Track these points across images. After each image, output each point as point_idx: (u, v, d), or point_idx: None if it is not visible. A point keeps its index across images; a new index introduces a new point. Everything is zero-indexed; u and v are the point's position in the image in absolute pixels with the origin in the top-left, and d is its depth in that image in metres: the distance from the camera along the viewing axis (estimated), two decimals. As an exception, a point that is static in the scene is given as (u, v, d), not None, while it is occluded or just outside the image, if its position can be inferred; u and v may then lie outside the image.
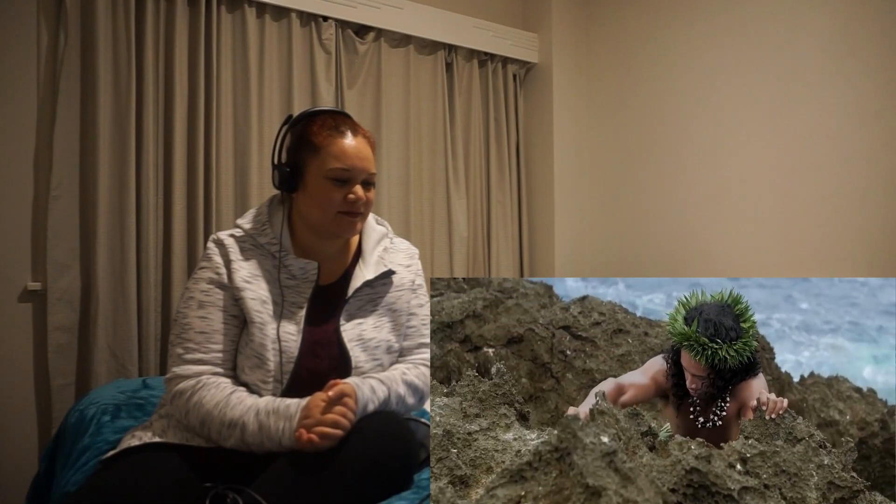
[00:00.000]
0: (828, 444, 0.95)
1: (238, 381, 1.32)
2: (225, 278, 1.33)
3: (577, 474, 0.73)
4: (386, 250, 1.48)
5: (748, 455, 0.91)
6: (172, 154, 2.27)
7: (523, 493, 0.76)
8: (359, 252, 1.47)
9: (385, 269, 1.44)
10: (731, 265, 2.73)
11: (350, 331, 1.37)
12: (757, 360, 1.10)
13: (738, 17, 2.71)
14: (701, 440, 0.92)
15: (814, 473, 0.90)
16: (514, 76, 3.25)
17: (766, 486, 0.87)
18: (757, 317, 1.10)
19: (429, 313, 1.51)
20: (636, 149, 3.11)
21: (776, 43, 2.59)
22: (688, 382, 1.10)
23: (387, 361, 1.42)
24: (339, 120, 1.38)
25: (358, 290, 1.40)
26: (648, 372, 1.16)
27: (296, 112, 1.53)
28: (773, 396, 1.01)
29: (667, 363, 1.15)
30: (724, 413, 1.10)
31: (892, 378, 2.10)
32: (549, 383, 1.32)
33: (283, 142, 1.40)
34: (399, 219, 2.83)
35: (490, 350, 1.34)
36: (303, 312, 1.36)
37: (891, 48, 2.28)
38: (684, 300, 1.11)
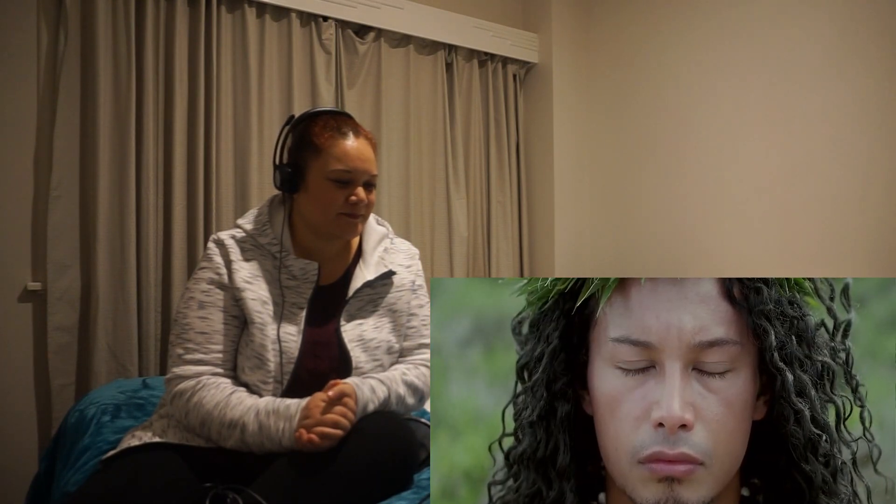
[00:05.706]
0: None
1: (238, 382, 1.32)
2: (225, 279, 1.33)
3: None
4: (386, 251, 1.48)
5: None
6: (172, 154, 2.26)
7: None
8: (359, 252, 1.46)
9: (385, 270, 1.43)
10: (732, 265, 2.73)
11: (350, 331, 1.37)
12: None
13: (737, 17, 2.71)
14: None
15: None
16: (514, 76, 3.25)
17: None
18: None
19: (429, 314, 1.51)
20: (636, 148, 3.11)
21: (776, 43, 2.58)
22: None
23: (387, 362, 1.42)
24: (340, 121, 1.38)
25: (358, 290, 1.40)
26: None
27: (296, 112, 1.53)
28: None
29: None
30: None
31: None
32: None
33: (285, 142, 1.40)
34: (399, 219, 2.83)
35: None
36: (303, 313, 1.36)
37: (891, 48, 2.28)
38: None
